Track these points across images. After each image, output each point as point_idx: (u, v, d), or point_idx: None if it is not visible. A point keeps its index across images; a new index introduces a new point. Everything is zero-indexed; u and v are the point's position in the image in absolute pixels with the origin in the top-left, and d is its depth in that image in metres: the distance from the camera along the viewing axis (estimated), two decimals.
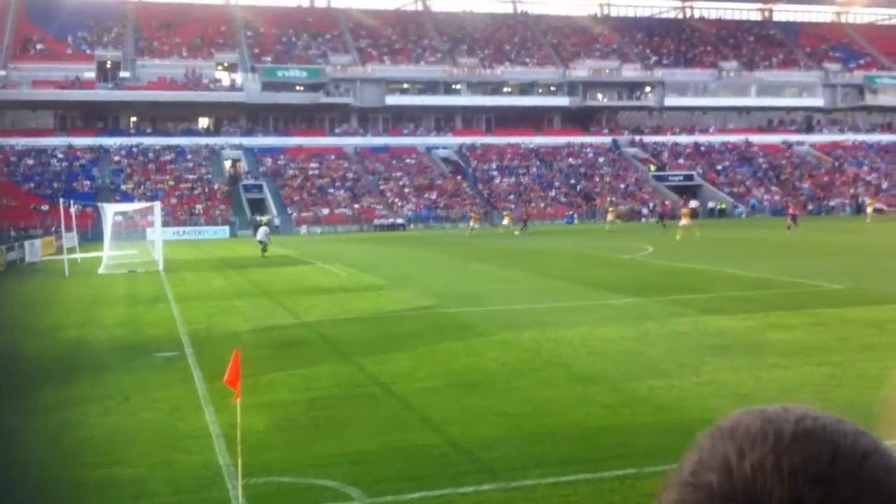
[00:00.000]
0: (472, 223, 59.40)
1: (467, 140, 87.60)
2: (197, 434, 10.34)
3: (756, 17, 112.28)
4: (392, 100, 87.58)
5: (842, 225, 56.88)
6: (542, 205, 75.12)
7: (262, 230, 43.39)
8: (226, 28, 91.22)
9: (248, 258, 38.91)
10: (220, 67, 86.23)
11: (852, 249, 35.49)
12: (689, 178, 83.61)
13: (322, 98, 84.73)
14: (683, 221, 47.08)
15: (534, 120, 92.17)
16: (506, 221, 60.74)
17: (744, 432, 0.86)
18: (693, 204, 77.38)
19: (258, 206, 71.10)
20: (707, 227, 54.14)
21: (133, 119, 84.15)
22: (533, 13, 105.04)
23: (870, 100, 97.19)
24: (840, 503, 0.79)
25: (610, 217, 59.78)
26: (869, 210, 60.68)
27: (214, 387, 11.87)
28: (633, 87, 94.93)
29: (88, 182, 71.35)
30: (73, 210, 40.32)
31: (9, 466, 9.54)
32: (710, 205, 77.57)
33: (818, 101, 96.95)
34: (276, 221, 67.72)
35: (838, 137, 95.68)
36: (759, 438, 0.84)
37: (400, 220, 70.22)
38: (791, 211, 51.71)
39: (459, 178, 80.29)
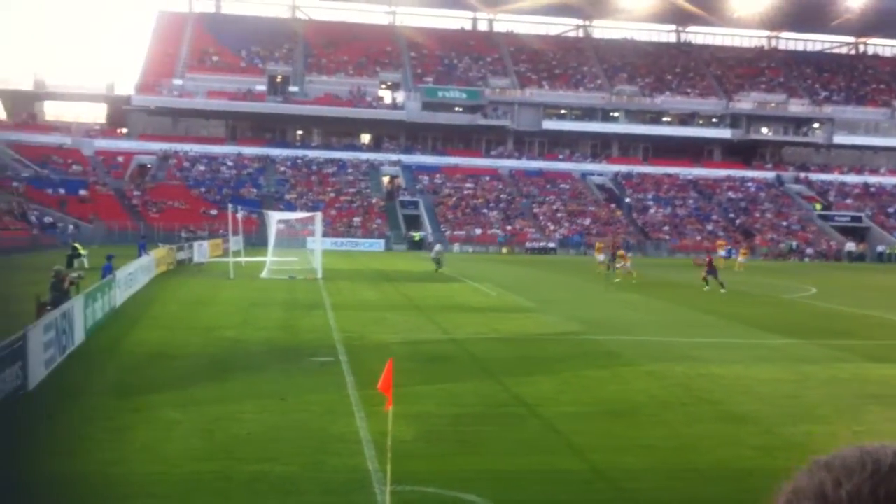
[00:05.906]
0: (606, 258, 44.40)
1: (623, 168, 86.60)
2: (347, 438, 10.66)
3: None
4: (549, 124, 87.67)
5: None
6: (699, 237, 73.38)
7: (437, 247, 44.86)
8: (391, 48, 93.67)
9: (402, 272, 39.58)
10: (383, 86, 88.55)
11: None
12: (857, 219, 79.83)
13: (480, 120, 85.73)
14: (622, 262, 40.92)
15: (693, 151, 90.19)
16: (600, 257, 45.67)
17: (840, 463, 0.86)
18: (850, 246, 73.61)
19: (413, 222, 72.44)
20: (875, 271, 51.49)
21: (299, 132, 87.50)
22: (697, 43, 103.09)
23: None
24: None
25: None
26: (740, 258, 53.51)
27: (366, 394, 12.21)
28: (800, 123, 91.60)
29: (255, 190, 74.49)
30: (239, 215, 42.15)
31: (165, 457, 10.07)
32: (879, 249, 73.81)
33: None
34: (430, 238, 68.81)
35: None
36: (857, 468, 0.84)
37: (551, 244, 70.03)
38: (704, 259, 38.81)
39: (613, 205, 79.42)
